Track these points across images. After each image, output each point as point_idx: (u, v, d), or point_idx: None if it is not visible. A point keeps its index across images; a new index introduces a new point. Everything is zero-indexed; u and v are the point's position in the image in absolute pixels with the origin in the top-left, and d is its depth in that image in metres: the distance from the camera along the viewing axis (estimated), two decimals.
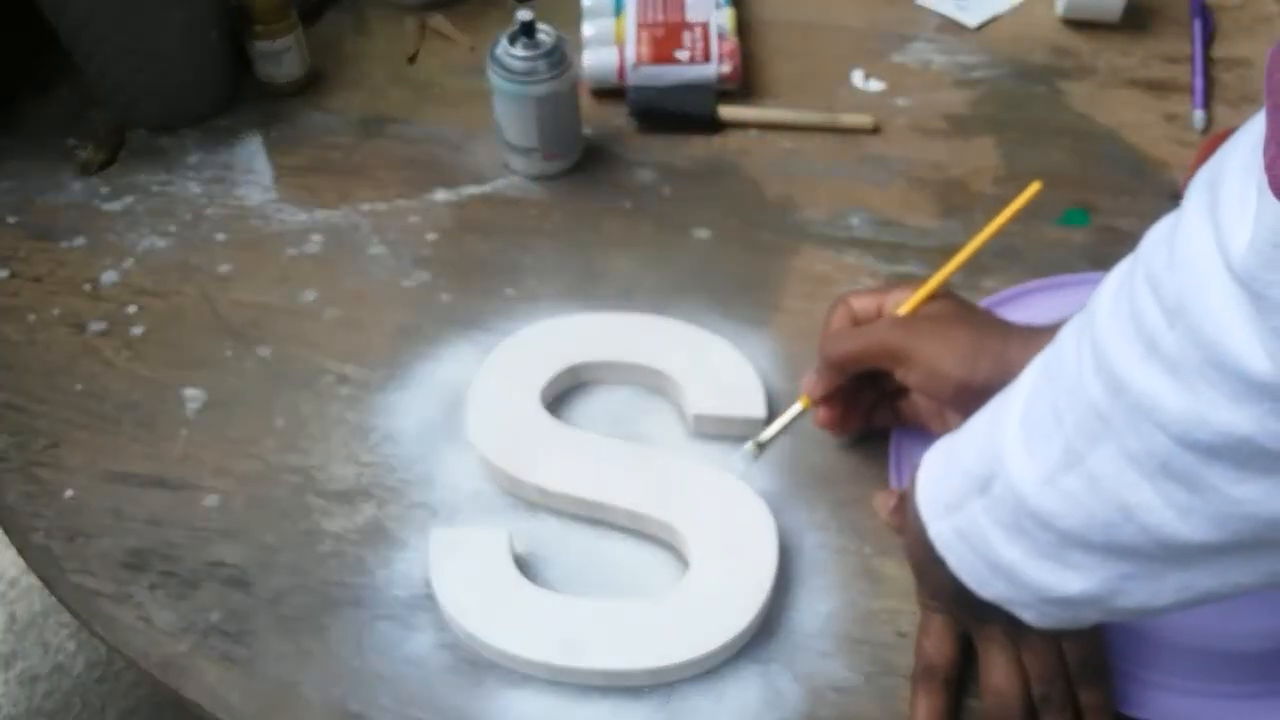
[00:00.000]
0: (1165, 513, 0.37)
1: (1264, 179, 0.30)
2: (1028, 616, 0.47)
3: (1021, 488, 0.42)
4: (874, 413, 0.62)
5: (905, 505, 0.53)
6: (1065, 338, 0.42)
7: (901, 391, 0.61)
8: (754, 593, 0.56)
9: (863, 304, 0.60)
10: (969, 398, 0.52)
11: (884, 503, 0.56)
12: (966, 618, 0.53)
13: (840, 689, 0.55)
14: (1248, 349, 0.32)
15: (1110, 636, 0.53)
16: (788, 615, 0.57)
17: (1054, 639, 0.51)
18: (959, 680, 0.54)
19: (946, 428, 0.54)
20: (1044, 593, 0.44)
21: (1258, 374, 0.32)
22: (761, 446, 0.60)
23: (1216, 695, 0.54)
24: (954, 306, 0.58)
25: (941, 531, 0.48)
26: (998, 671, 0.52)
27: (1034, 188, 0.61)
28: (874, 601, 0.58)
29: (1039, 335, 0.52)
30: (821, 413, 0.60)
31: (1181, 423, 0.34)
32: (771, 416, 0.63)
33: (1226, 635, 0.54)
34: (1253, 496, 0.34)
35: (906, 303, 0.59)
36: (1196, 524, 0.36)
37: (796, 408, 0.60)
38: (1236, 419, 0.33)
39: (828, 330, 0.60)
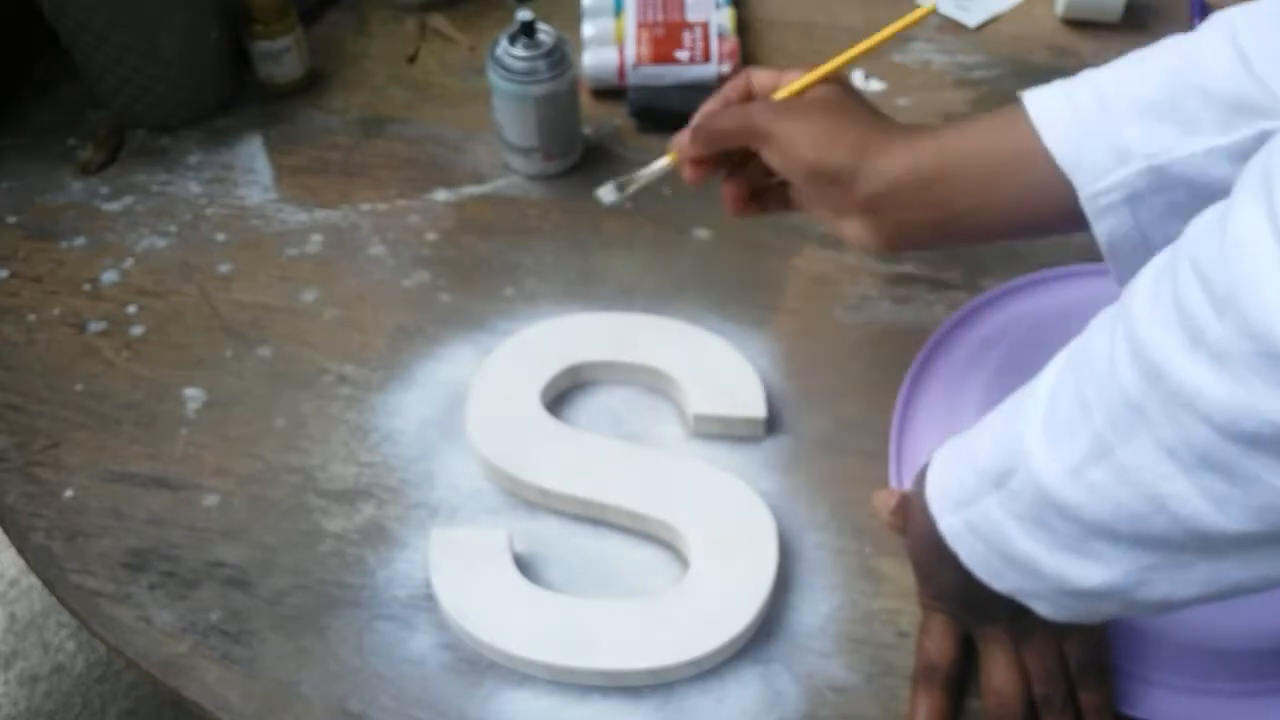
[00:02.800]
0: (1200, 503, 0.37)
1: None
2: (1041, 608, 0.47)
3: (1045, 480, 0.42)
4: (768, 196, 0.61)
5: (908, 505, 0.53)
6: (1093, 332, 0.41)
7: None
8: (754, 593, 0.56)
9: (761, 79, 0.59)
10: (823, 182, 0.53)
11: (884, 502, 0.56)
12: (969, 618, 0.53)
13: (840, 689, 0.55)
14: None
15: (1110, 636, 0.53)
16: (788, 615, 0.57)
17: (1056, 640, 0.51)
18: (960, 680, 0.54)
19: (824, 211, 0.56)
20: (1063, 584, 0.44)
21: None
22: (623, 188, 0.62)
23: (1216, 694, 0.54)
24: (833, 93, 0.57)
25: (952, 525, 0.48)
26: (999, 672, 0.52)
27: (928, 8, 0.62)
28: (874, 601, 0.58)
29: (907, 134, 0.54)
30: (688, 169, 0.59)
31: (1227, 413, 0.34)
32: (772, 416, 0.63)
33: (1226, 634, 0.54)
34: None
35: (793, 84, 0.58)
36: (1233, 514, 0.36)
37: (664, 161, 0.61)
38: None
39: (719, 97, 0.60)
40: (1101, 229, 0.49)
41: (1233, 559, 0.38)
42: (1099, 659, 0.52)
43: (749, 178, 0.60)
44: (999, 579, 0.47)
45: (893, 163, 0.53)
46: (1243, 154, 0.45)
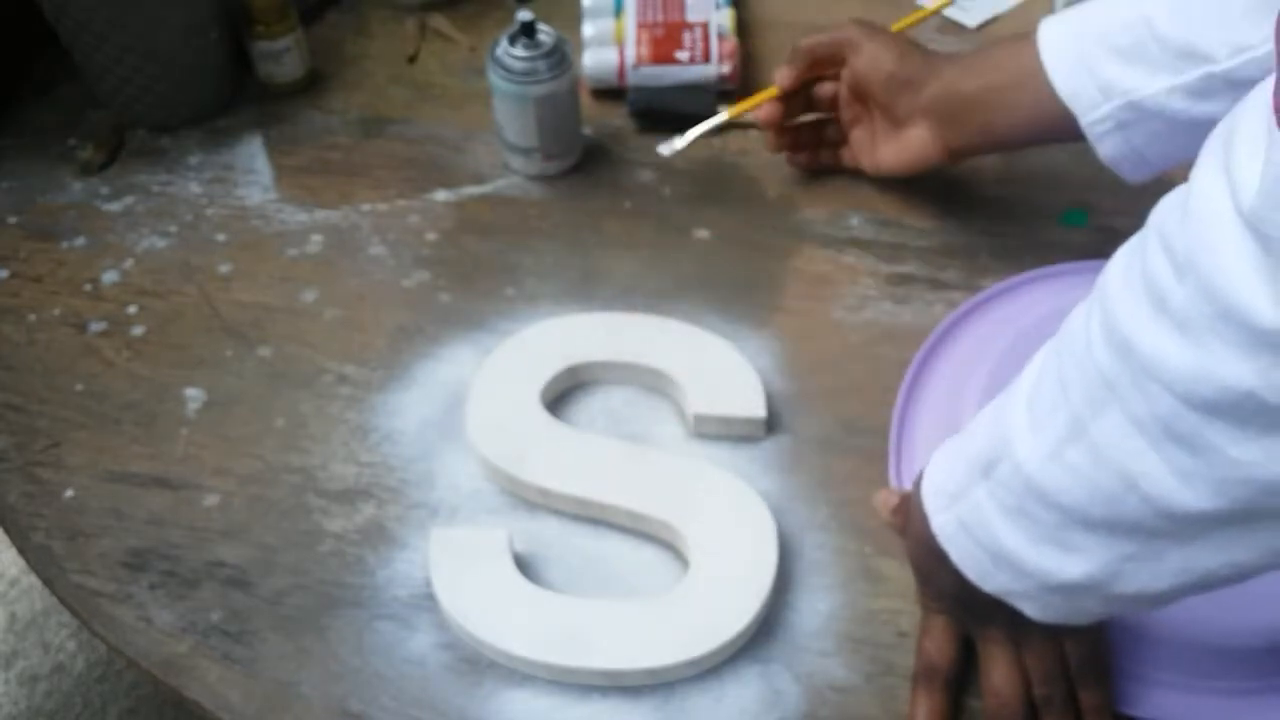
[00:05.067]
0: (1168, 480, 0.37)
1: (1273, 120, 0.31)
2: (1029, 609, 0.47)
3: (1027, 465, 0.42)
4: (821, 151, 0.76)
5: (908, 506, 0.53)
6: (1073, 315, 0.42)
7: (844, 140, 0.75)
8: (754, 593, 0.56)
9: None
10: (896, 86, 0.68)
11: (884, 502, 0.56)
12: (968, 618, 0.53)
13: (840, 689, 0.55)
14: (1256, 297, 0.32)
15: (1109, 635, 0.53)
16: (788, 615, 0.57)
17: (1056, 640, 0.51)
18: (959, 681, 0.54)
19: (875, 162, 0.72)
20: (1045, 579, 0.44)
21: (1265, 323, 0.32)
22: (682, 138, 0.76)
23: (1215, 692, 0.54)
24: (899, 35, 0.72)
25: (945, 524, 0.48)
26: (998, 672, 0.52)
27: None
28: (874, 601, 0.58)
29: (954, 59, 0.67)
30: (765, 108, 0.73)
31: (1186, 380, 0.35)
32: (772, 416, 0.63)
33: (1225, 632, 0.54)
34: (1253, 458, 0.35)
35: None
36: (1198, 489, 0.37)
37: (722, 115, 0.77)
38: (1241, 372, 0.33)
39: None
40: (1102, 150, 0.61)
41: (1203, 544, 0.39)
42: (1098, 659, 0.52)
43: (811, 138, 0.76)
44: (988, 579, 0.47)
45: (948, 77, 0.66)
46: (1196, 91, 0.55)
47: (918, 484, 0.51)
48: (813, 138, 0.76)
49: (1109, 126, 0.59)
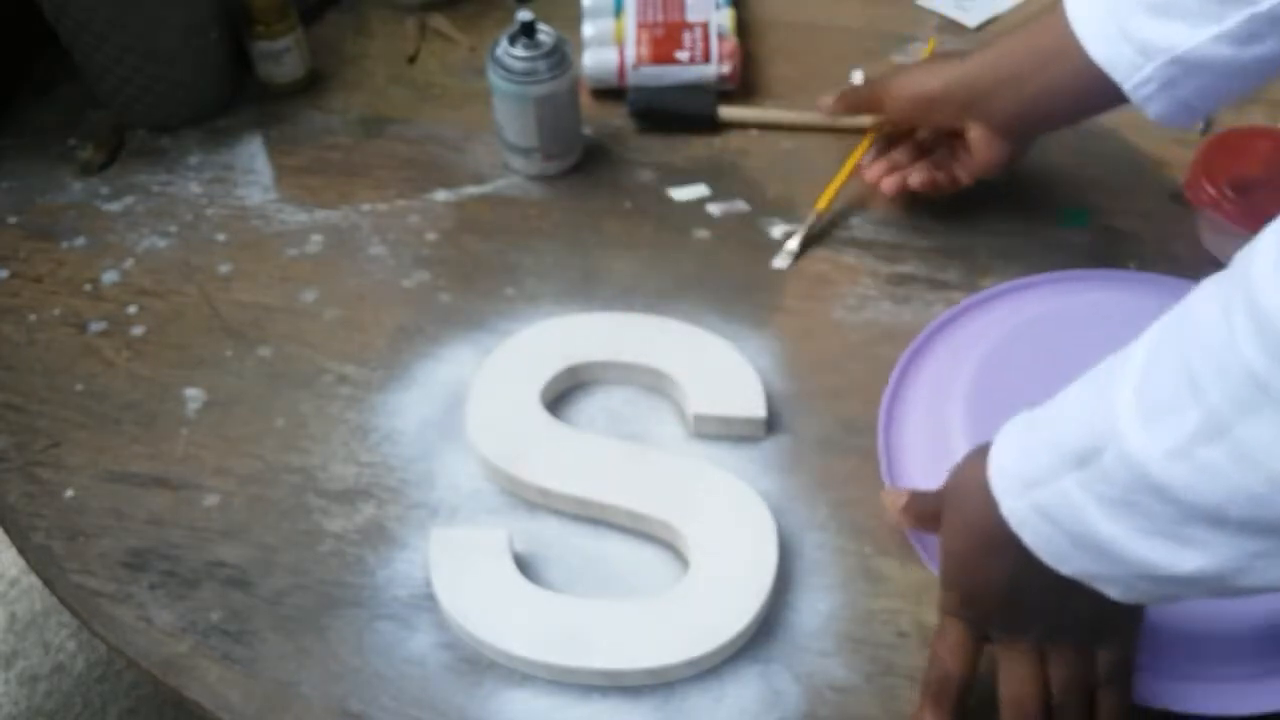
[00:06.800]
0: None
1: None
2: (1112, 592, 0.44)
3: (1144, 460, 0.40)
4: (936, 174, 0.72)
5: (941, 499, 0.51)
6: (1200, 303, 0.40)
7: (949, 153, 0.73)
8: (754, 593, 0.56)
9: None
10: (924, 106, 0.69)
11: (893, 501, 0.56)
12: (996, 623, 0.50)
13: (840, 689, 0.55)
14: None
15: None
16: (788, 615, 0.57)
17: (1087, 648, 0.49)
18: (970, 692, 0.53)
19: (969, 172, 0.70)
20: (1148, 570, 0.42)
21: None
22: (791, 250, 0.73)
23: (1213, 679, 0.53)
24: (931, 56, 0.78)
25: (1016, 509, 0.45)
26: (1017, 682, 0.50)
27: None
28: (874, 601, 0.58)
29: (976, 51, 0.67)
30: (873, 170, 0.73)
31: None
32: (772, 416, 0.63)
33: (1223, 618, 0.53)
34: None
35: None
36: None
37: (815, 211, 0.74)
38: None
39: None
40: (1151, 110, 0.59)
41: None
42: (1128, 662, 0.50)
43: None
44: (1066, 562, 0.45)
45: (965, 73, 0.67)
46: (1242, 37, 0.54)
47: (960, 474, 0.49)
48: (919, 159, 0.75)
49: (1153, 88, 0.58)
